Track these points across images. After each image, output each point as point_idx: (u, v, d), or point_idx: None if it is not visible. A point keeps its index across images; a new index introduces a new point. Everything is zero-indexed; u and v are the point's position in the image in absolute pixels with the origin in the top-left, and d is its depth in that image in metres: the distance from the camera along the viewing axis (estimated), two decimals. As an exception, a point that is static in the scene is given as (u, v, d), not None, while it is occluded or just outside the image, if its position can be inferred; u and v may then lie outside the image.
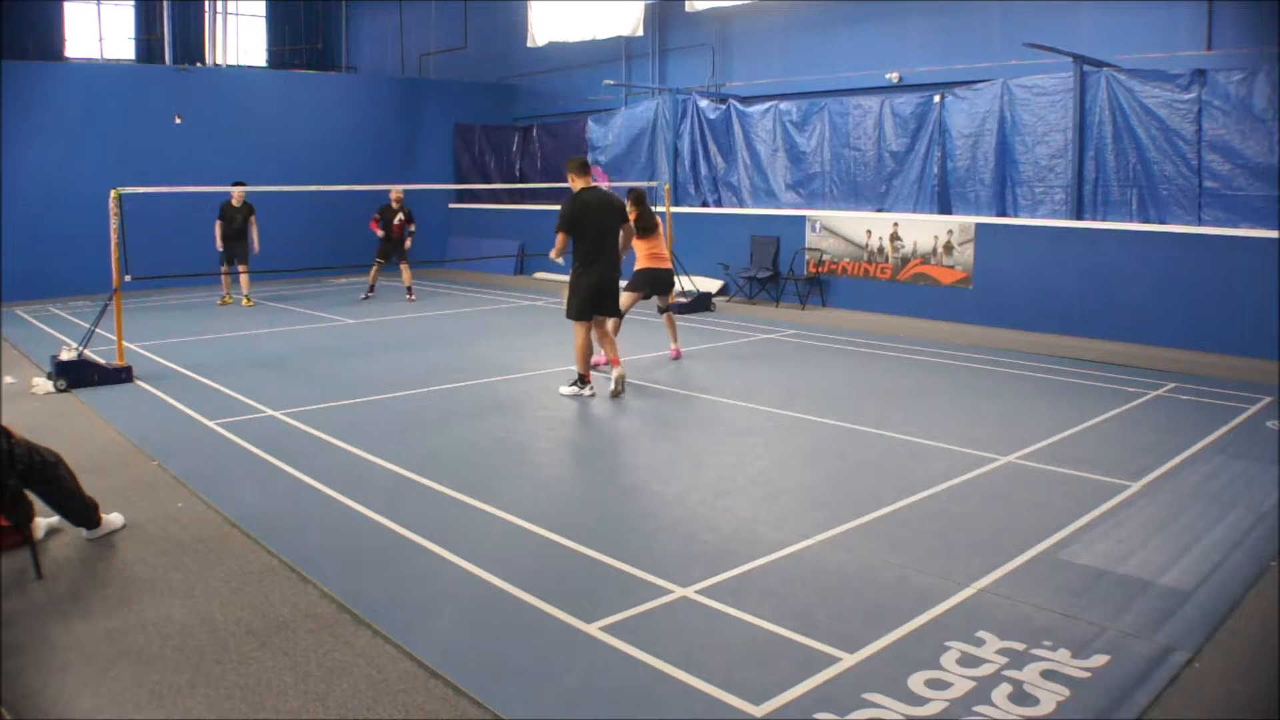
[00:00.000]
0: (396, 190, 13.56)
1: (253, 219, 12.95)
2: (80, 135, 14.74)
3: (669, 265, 8.87)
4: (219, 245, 12.87)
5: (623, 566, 4.15)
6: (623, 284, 7.96)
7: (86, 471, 4.72)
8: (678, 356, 9.04)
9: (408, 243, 13.64)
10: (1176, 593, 3.90)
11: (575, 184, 7.28)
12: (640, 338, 10.35)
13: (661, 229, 8.89)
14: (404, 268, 13.73)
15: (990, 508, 4.94)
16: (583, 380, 7.43)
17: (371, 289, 13.96)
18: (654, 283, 8.73)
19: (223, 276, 13.27)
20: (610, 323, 7.84)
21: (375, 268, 13.81)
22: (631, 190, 8.75)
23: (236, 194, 12.66)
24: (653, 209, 8.93)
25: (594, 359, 8.50)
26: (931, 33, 12.93)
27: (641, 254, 8.66)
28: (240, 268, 13.01)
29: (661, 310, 9.18)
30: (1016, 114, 11.43)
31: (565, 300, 7.66)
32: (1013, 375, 8.35)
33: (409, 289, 13.84)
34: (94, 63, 18.37)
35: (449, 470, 5.54)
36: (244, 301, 13.40)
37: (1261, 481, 5.35)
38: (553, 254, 7.35)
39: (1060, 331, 10.55)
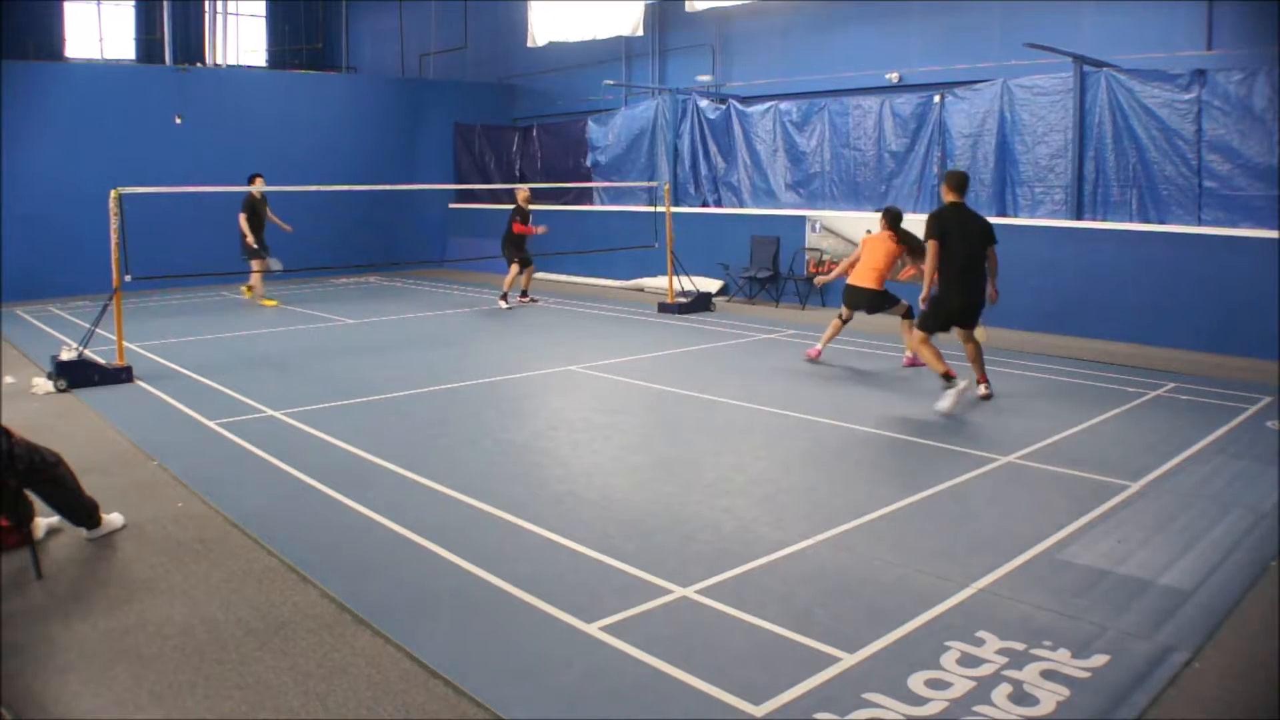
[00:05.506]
0: (525, 189, 12.91)
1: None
2: (80, 135, 14.73)
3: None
4: (254, 240, 12.54)
5: (623, 566, 4.15)
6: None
7: (86, 471, 4.72)
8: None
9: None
10: (1176, 593, 3.90)
11: (948, 197, 7.15)
12: (635, 340, 10.37)
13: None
14: (531, 269, 13.19)
15: (990, 508, 4.94)
16: (948, 378, 6.90)
17: (505, 297, 12.92)
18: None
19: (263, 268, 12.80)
20: (970, 341, 7.40)
21: (530, 271, 13.14)
22: (886, 210, 8.44)
23: (261, 183, 12.35)
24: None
25: (809, 348, 8.33)
26: (931, 33, 12.93)
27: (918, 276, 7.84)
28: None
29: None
30: (1016, 114, 11.43)
31: (922, 313, 7.24)
32: (1013, 375, 8.35)
33: (525, 291, 13.30)
34: (94, 63, 18.40)
35: (449, 470, 5.54)
36: (247, 292, 13.38)
37: (1261, 481, 5.35)
38: (927, 270, 7.03)
39: (1060, 331, 10.54)
